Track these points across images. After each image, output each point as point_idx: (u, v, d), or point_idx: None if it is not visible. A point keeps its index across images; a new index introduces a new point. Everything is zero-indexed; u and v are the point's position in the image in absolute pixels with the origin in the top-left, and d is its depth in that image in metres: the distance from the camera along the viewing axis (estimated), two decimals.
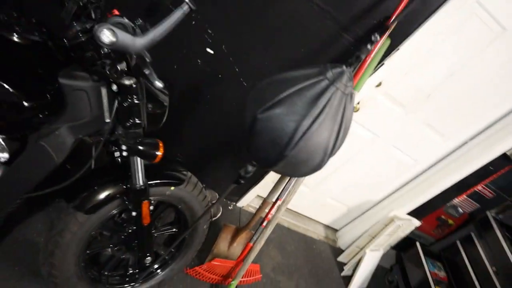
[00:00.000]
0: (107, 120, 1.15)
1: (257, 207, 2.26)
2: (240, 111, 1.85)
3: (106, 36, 0.78)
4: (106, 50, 1.02)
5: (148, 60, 0.94)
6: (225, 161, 2.19)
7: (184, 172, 1.44)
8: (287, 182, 1.78)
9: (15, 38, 1.00)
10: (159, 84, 0.89)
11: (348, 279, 2.65)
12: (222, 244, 2.00)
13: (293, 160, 0.81)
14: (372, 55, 1.59)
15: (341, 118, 0.80)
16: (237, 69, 1.75)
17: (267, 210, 1.89)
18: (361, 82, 1.63)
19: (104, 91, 1.11)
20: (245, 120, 0.89)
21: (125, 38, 0.79)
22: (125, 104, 1.08)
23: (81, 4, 1.08)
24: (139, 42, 0.79)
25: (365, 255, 2.56)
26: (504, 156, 2.30)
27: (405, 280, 2.73)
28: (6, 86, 0.96)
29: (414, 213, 2.60)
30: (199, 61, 1.71)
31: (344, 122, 0.81)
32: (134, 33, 0.89)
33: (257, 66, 1.74)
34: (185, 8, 0.82)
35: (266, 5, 1.55)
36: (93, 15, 1.10)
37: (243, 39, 1.66)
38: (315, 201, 2.66)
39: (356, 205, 2.72)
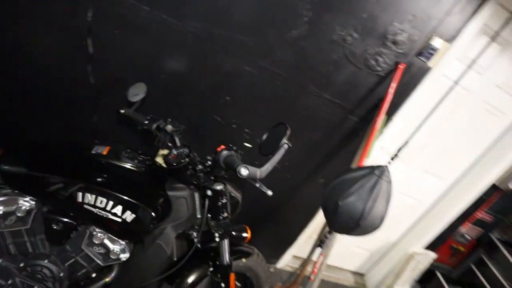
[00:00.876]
0: (199, 216, 1.55)
1: (294, 266, 2.62)
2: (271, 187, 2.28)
3: (244, 171, 1.18)
4: (200, 167, 1.45)
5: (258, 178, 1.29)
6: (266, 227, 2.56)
7: (251, 246, 1.81)
8: (326, 241, 2.16)
9: (135, 168, 1.43)
10: (269, 192, 1.27)
11: None
12: None
13: (364, 226, 1.24)
14: (375, 129, 2.06)
15: (387, 196, 1.25)
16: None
17: (310, 266, 2.24)
18: (371, 149, 2.08)
19: (197, 196, 1.53)
20: (328, 206, 1.32)
21: (254, 171, 1.19)
22: (218, 203, 1.48)
23: (168, 133, 1.51)
24: (262, 172, 1.19)
25: None
26: (493, 186, 2.75)
27: None
28: (140, 204, 1.37)
29: (430, 247, 2.97)
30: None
31: (389, 198, 1.27)
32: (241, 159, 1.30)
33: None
34: (286, 147, 1.24)
35: (289, 103, 2.03)
36: (177, 142, 1.54)
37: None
38: (341, 250, 3.01)
39: (377, 248, 3.07)
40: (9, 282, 1.42)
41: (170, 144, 1.56)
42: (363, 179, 1.26)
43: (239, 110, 2.03)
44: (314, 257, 2.27)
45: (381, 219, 1.26)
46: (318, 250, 2.21)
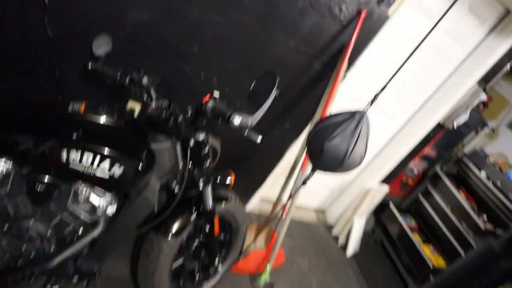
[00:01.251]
0: (181, 166, 1.60)
1: (262, 208, 2.79)
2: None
3: (237, 120, 1.22)
4: (181, 118, 1.48)
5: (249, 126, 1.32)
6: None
7: (228, 190, 1.91)
8: (295, 181, 2.31)
9: (116, 123, 1.43)
10: (259, 139, 1.32)
11: (343, 247, 3.26)
12: (249, 241, 2.48)
13: (347, 165, 1.37)
14: (339, 75, 2.16)
15: (367, 136, 1.39)
16: (238, 104, 2.24)
17: (279, 207, 2.41)
18: (335, 93, 2.19)
19: (178, 146, 1.56)
20: (313, 149, 1.41)
21: (246, 119, 1.23)
22: (201, 152, 1.53)
23: (143, 86, 1.51)
24: (253, 120, 1.23)
25: (353, 224, 3.17)
26: (438, 124, 3.02)
27: (387, 236, 3.39)
28: (126, 158, 1.39)
29: (384, 182, 3.26)
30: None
31: (367, 139, 1.40)
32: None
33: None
34: (276, 93, 1.28)
35: (257, 52, 2.05)
36: (153, 94, 1.55)
37: (242, 81, 2.14)
38: (303, 190, 3.21)
39: (336, 186, 3.32)
40: None
41: (145, 97, 1.56)
42: (346, 123, 1.37)
43: (207, 59, 2.02)
44: (284, 197, 2.43)
45: (361, 158, 1.40)
46: (288, 190, 2.37)
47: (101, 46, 1.55)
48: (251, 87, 1.32)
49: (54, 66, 1.80)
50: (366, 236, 3.50)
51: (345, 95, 2.59)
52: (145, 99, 1.56)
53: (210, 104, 1.33)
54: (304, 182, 1.65)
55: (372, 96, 1.50)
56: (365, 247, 3.39)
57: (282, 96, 2.31)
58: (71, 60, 1.80)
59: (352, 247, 3.20)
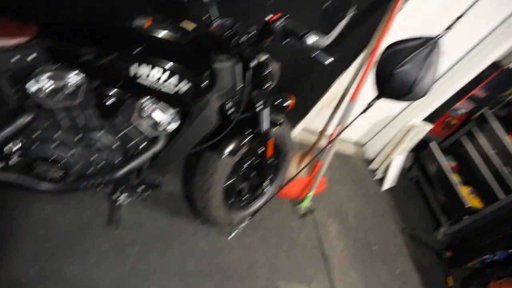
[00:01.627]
0: (240, 86, 1.61)
1: (304, 138, 2.82)
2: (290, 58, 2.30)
3: (312, 38, 1.20)
4: (245, 38, 1.46)
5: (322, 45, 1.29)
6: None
7: (281, 115, 1.92)
8: (343, 112, 2.30)
9: (181, 40, 1.43)
10: (327, 62, 1.31)
11: (380, 181, 3.31)
12: (293, 168, 2.54)
13: (414, 93, 1.35)
14: (398, 4, 2.03)
15: (436, 66, 1.34)
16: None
17: (326, 135, 2.43)
18: (392, 23, 2.09)
19: (238, 68, 1.56)
20: (381, 74, 1.39)
21: (320, 39, 1.21)
22: (262, 73, 1.52)
23: (204, 5, 1.47)
24: (327, 40, 1.21)
25: (393, 160, 3.18)
26: (493, 64, 2.86)
27: (424, 174, 3.40)
28: (192, 74, 1.40)
29: (427, 120, 3.19)
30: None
31: (437, 68, 1.36)
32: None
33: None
34: (351, 14, 1.24)
35: None
36: (212, 13, 1.51)
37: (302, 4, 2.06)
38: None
39: (378, 120, 3.28)
40: (71, 152, 1.51)
41: (205, 16, 1.54)
42: (418, 49, 1.33)
43: None
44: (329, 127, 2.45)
45: (429, 87, 1.37)
46: (335, 120, 2.38)
47: None
48: (324, 6, 1.27)
49: None
50: (403, 173, 3.52)
51: (399, 25, 2.46)
52: (204, 18, 1.53)
53: (281, 22, 1.30)
54: (364, 111, 1.64)
55: (429, 28, 1.42)
56: (401, 183, 3.43)
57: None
58: None
59: (389, 182, 3.24)
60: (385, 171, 3.26)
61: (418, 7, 2.36)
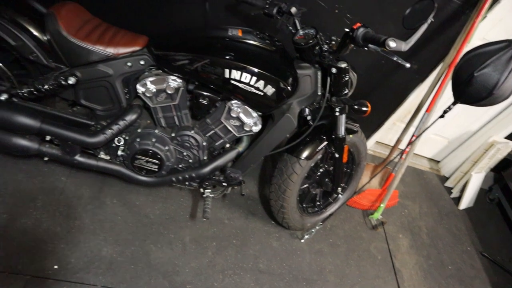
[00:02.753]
0: (319, 93, 1.70)
1: (376, 150, 2.81)
2: (365, 68, 2.35)
3: (392, 43, 1.27)
4: (326, 47, 1.56)
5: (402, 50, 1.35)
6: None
7: (356, 124, 1.98)
8: (418, 124, 2.28)
9: (268, 47, 1.56)
10: (408, 65, 1.37)
11: (456, 200, 3.17)
12: (364, 179, 2.56)
13: (495, 96, 1.35)
14: (480, 14, 2.00)
15: None
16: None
17: (399, 148, 2.42)
18: (473, 34, 2.06)
19: (319, 75, 1.66)
20: (460, 77, 1.41)
21: (400, 43, 1.28)
22: (341, 80, 1.61)
23: (291, 16, 1.60)
24: (407, 45, 1.28)
25: (471, 177, 3.04)
26: None
27: (507, 196, 3.19)
28: (278, 79, 1.52)
29: (510, 137, 3.02)
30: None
31: None
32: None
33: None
34: (429, 21, 1.30)
35: None
36: (297, 25, 1.63)
37: (375, 20, 2.13)
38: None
39: (457, 136, 3.17)
40: (166, 148, 1.70)
41: (291, 27, 1.66)
42: (500, 52, 1.32)
43: None
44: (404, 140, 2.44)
45: (511, 91, 1.36)
46: (410, 132, 2.37)
47: None
48: (407, 12, 1.34)
49: None
50: (481, 192, 3.33)
51: (479, 37, 2.40)
52: (290, 28, 1.66)
53: (362, 31, 1.38)
54: (442, 115, 1.64)
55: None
56: (479, 204, 3.25)
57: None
58: None
59: (466, 202, 3.09)
60: (462, 189, 3.12)
61: (503, 16, 2.30)
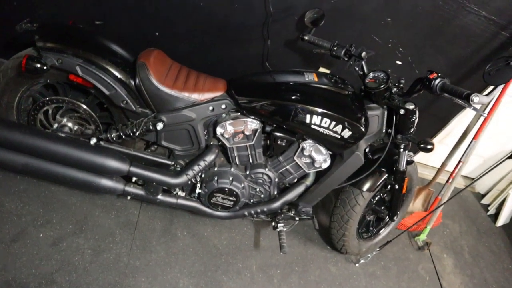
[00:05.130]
0: (383, 131, 1.79)
1: (420, 172, 2.89)
2: None
3: (476, 99, 1.36)
4: (395, 89, 1.65)
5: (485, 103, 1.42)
6: None
7: (411, 154, 2.05)
8: (466, 149, 2.36)
9: (347, 92, 1.65)
10: (485, 114, 1.46)
11: (493, 217, 3.24)
12: (409, 202, 2.63)
13: None
14: None
15: None
16: (417, 71, 2.32)
17: (446, 171, 2.50)
18: None
19: (385, 114, 1.75)
20: None
21: (483, 99, 1.37)
22: (409, 120, 1.70)
23: (360, 59, 1.69)
24: (488, 99, 1.36)
25: (509, 196, 3.11)
26: None
27: None
28: (354, 123, 1.61)
29: None
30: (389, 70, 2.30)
31: None
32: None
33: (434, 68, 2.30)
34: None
35: (445, 21, 2.09)
36: (365, 68, 1.72)
37: (425, 53, 2.22)
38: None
39: (492, 155, 3.25)
40: (242, 186, 1.79)
41: (358, 69, 1.75)
42: None
43: (396, 30, 2.12)
44: (451, 163, 2.52)
45: None
46: (457, 156, 2.45)
47: (314, 18, 1.76)
48: (488, 67, 1.43)
49: (268, 36, 2.08)
50: None
51: None
52: (359, 70, 1.75)
53: (439, 81, 1.47)
54: (511, 157, 1.72)
55: None
56: None
57: (461, 65, 2.32)
58: (283, 32, 2.06)
59: (504, 219, 3.17)
60: (499, 207, 3.20)
61: None
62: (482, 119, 2.33)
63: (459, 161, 2.41)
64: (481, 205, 3.34)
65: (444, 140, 2.95)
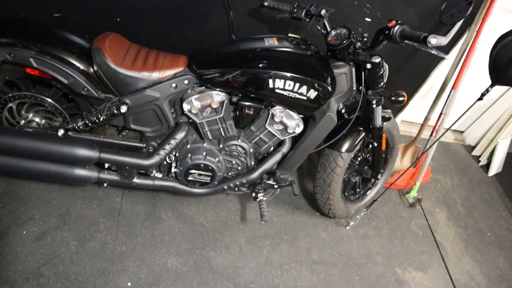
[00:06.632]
0: (354, 88, 1.76)
1: (404, 130, 2.87)
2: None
3: (433, 40, 1.33)
4: (359, 44, 1.62)
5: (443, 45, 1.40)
6: None
7: (388, 110, 2.03)
8: (446, 100, 2.33)
9: (305, 52, 1.62)
10: (446, 56, 1.43)
11: (485, 167, 3.23)
12: (398, 159, 2.62)
13: None
14: None
15: None
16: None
17: (429, 125, 2.48)
18: (493, 7, 2.09)
19: (353, 70, 1.72)
20: (500, 59, 1.45)
21: (440, 39, 1.34)
22: (377, 74, 1.67)
23: (321, 18, 1.65)
24: (447, 40, 1.33)
25: (498, 144, 3.09)
26: None
27: None
28: (320, 82, 1.58)
29: None
30: (359, 29, 2.26)
31: None
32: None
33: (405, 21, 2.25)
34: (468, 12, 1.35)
35: None
36: (327, 26, 1.69)
37: (394, 6, 2.16)
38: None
39: (478, 105, 3.19)
40: (216, 160, 1.78)
41: (320, 28, 1.71)
42: None
43: None
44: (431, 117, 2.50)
45: None
46: (437, 108, 2.42)
47: None
48: (442, 7, 1.39)
49: (229, 8, 2.04)
50: (509, 157, 3.38)
51: (498, 6, 2.42)
52: (322, 30, 1.71)
53: (398, 28, 1.44)
54: (480, 98, 1.70)
55: None
56: (508, 168, 3.31)
57: (434, 14, 2.27)
58: (244, 1, 2.02)
59: (495, 167, 3.16)
60: (490, 156, 3.18)
61: None
62: (459, 68, 2.30)
63: (441, 113, 2.39)
64: (472, 157, 3.32)
65: (427, 95, 2.91)
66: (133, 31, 2.01)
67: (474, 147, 3.35)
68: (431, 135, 2.45)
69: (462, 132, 3.48)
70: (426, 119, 2.53)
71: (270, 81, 1.55)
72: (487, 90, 1.61)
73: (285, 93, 1.58)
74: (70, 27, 1.67)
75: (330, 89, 1.63)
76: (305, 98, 1.60)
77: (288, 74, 1.54)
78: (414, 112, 3.00)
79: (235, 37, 2.16)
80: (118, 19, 2.10)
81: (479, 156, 3.27)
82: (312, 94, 1.60)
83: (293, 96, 1.59)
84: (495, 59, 1.47)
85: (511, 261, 2.57)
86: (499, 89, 3.09)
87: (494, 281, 2.41)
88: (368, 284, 2.09)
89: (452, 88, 2.32)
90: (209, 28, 2.15)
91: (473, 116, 3.31)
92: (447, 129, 2.06)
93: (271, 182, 1.89)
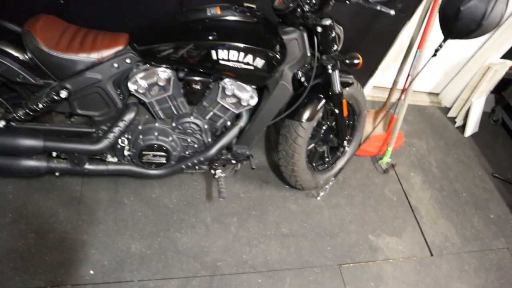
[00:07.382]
0: (309, 54, 1.69)
1: (375, 95, 2.82)
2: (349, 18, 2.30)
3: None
4: (307, 7, 1.53)
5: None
6: None
7: (350, 76, 1.97)
8: (413, 61, 2.27)
9: (250, 20, 1.54)
10: (392, 12, 1.36)
11: (461, 128, 3.20)
12: (368, 126, 2.57)
13: (485, 26, 1.34)
14: None
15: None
16: None
17: (398, 89, 2.42)
18: None
19: (305, 35, 1.64)
20: (447, 14, 1.39)
21: None
22: (329, 38, 1.59)
23: None
24: None
25: (472, 104, 3.05)
26: None
27: (510, 114, 3.21)
28: (266, 50, 1.51)
29: (505, 57, 2.99)
30: None
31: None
32: None
33: None
34: None
35: None
36: None
37: None
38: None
39: (451, 66, 3.15)
40: (170, 139, 1.72)
41: None
42: None
43: None
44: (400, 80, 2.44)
45: (501, 16, 1.34)
46: (405, 71, 2.36)
47: None
48: None
49: None
50: (485, 116, 3.35)
51: None
52: None
53: None
54: (434, 54, 1.64)
55: None
56: (484, 127, 3.29)
57: None
58: None
59: (471, 128, 3.13)
60: (465, 117, 3.14)
61: None
62: (423, 28, 2.22)
63: (408, 75, 2.32)
64: (448, 118, 3.29)
65: (398, 58, 2.83)
66: (78, 12, 1.91)
67: (450, 109, 3.31)
68: (399, 98, 2.39)
69: (438, 94, 3.43)
70: (395, 82, 2.48)
71: (213, 52, 1.47)
72: (440, 46, 1.55)
73: (230, 64, 1.51)
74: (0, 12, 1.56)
75: (278, 57, 1.55)
76: (252, 67, 1.53)
77: (231, 44, 1.47)
78: (386, 76, 2.94)
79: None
80: (62, 1, 1.99)
81: (455, 118, 3.23)
82: (259, 63, 1.52)
83: (239, 67, 1.52)
84: (444, 12, 1.40)
85: (486, 219, 2.57)
86: (471, 48, 3.03)
87: (469, 240, 2.42)
88: (340, 253, 2.08)
89: (418, 48, 2.25)
90: (159, 3, 2.04)
91: (447, 77, 3.26)
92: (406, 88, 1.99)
93: (228, 157, 1.84)
